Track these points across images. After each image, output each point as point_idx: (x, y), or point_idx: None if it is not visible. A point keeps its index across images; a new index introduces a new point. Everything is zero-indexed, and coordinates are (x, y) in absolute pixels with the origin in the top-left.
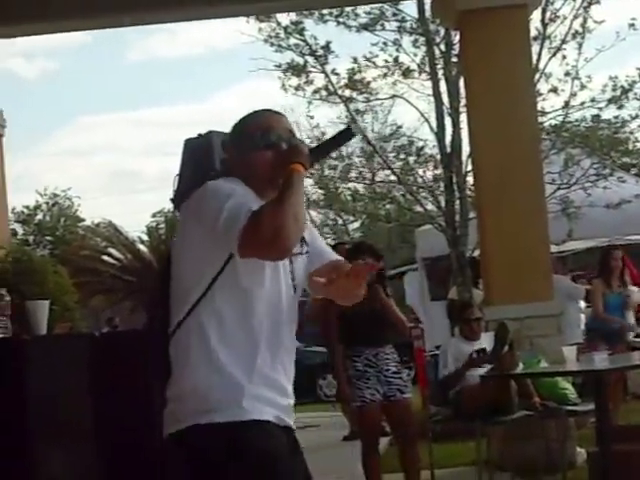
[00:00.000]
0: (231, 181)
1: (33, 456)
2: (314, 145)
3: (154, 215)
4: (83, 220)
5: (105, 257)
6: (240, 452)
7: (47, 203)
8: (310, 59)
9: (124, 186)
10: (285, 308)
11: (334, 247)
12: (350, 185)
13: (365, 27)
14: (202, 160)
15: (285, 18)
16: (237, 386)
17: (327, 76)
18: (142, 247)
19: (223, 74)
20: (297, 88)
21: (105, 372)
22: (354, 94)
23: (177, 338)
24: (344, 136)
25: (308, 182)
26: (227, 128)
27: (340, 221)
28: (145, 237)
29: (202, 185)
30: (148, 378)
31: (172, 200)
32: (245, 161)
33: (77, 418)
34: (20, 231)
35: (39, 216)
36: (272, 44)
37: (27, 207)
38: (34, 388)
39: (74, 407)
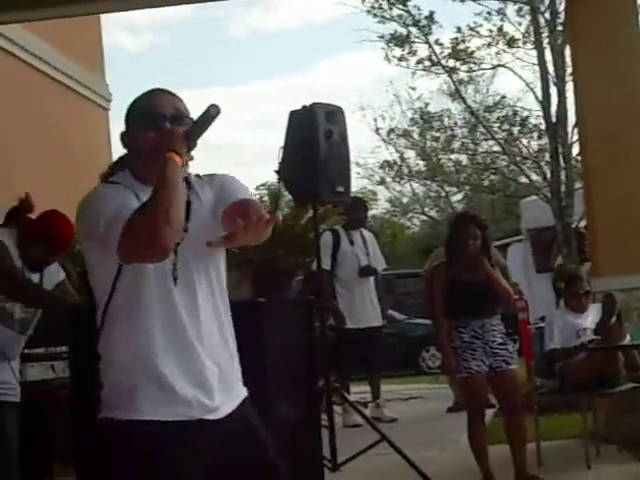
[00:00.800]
0: (121, 178)
1: None
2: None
3: (257, 188)
4: None
5: None
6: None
7: None
8: (413, 29)
9: (227, 159)
10: (201, 301)
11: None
12: (453, 156)
13: None
14: (306, 132)
15: None
16: (131, 387)
17: (430, 46)
18: None
19: (323, 46)
20: (400, 59)
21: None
22: (457, 64)
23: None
24: (206, 117)
25: (411, 154)
26: (330, 99)
27: (443, 193)
28: None
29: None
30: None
31: (277, 172)
32: (133, 144)
33: None
34: None
35: None
36: (375, 15)
37: None
38: None
39: None
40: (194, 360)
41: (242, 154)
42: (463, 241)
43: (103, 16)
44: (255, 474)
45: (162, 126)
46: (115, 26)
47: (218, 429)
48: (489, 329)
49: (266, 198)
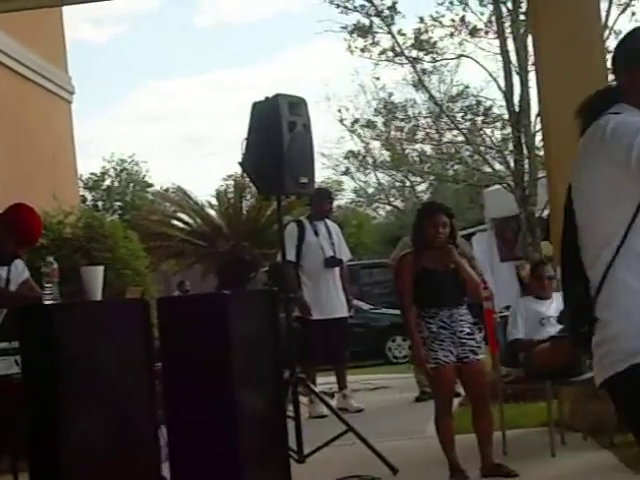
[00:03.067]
0: (630, 112)
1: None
2: None
3: (225, 179)
4: (152, 185)
5: (174, 222)
6: None
7: (115, 169)
8: (376, 20)
9: (194, 150)
10: None
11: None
12: (417, 146)
13: None
14: (269, 123)
15: None
16: None
17: (393, 37)
18: (211, 211)
19: (289, 37)
20: (363, 50)
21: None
22: (420, 54)
23: (606, 286)
24: None
25: (375, 144)
26: (293, 91)
27: (407, 183)
28: (214, 201)
29: (601, 121)
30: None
31: (240, 164)
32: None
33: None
34: (89, 197)
35: (107, 182)
36: (338, 5)
37: (94, 174)
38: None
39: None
40: None
41: (210, 145)
42: (434, 230)
43: (66, 8)
44: None
45: None
46: (79, 18)
47: None
48: (457, 319)
49: (232, 189)
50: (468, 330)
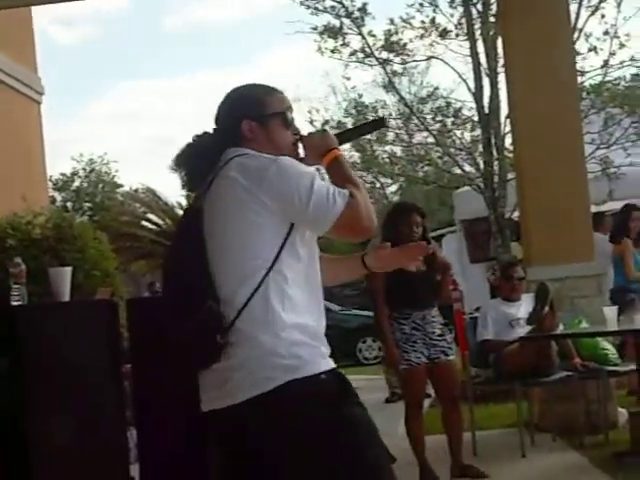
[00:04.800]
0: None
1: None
2: (338, 131)
3: None
4: (121, 186)
5: (144, 222)
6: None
7: (84, 169)
8: (346, 21)
9: (164, 151)
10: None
11: None
12: (387, 148)
13: None
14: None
15: None
16: (315, 345)
17: (363, 38)
18: (181, 212)
19: (261, 38)
20: (333, 51)
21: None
22: (391, 56)
23: (249, 310)
24: (375, 125)
25: (345, 145)
26: None
27: (378, 184)
28: (184, 202)
29: (256, 159)
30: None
31: None
32: (268, 136)
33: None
34: (58, 198)
35: (76, 183)
36: (308, 7)
37: (64, 174)
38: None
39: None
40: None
41: (180, 146)
42: (408, 230)
43: (35, 8)
44: None
45: (298, 130)
46: (49, 19)
47: None
48: (429, 320)
49: None
50: (439, 331)
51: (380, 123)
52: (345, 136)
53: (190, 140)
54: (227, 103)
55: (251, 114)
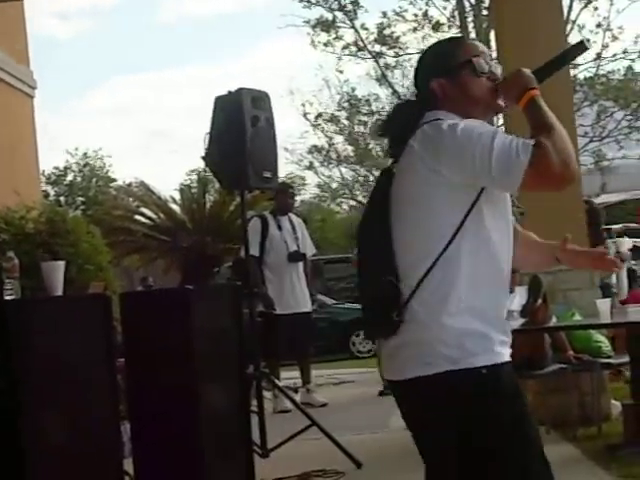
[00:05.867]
0: (447, 116)
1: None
2: (537, 67)
3: (189, 173)
4: (115, 180)
5: (138, 217)
6: (498, 392)
7: (78, 164)
8: (339, 14)
9: (158, 146)
10: (510, 246)
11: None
12: (381, 141)
13: None
14: (232, 118)
15: None
16: (486, 333)
17: (356, 31)
18: (174, 206)
19: (254, 31)
20: (326, 44)
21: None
22: (384, 49)
23: (425, 287)
24: (575, 51)
25: (339, 138)
26: (257, 85)
27: (371, 177)
28: (178, 196)
29: (435, 127)
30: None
31: (203, 158)
32: (459, 89)
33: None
34: (51, 192)
35: (69, 177)
36: (301, 0)
37: (57, 168)
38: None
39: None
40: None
41: (172, 140)
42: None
43: (29, 2)
44: None
45: (494, 74)
46: (44, 13)
47: None
48: None
49: (195, 184)
50: None
51: (582, 47)
52: (545, 71)
53: (394, 107)
54: (418, 66)
55: (438, 71)
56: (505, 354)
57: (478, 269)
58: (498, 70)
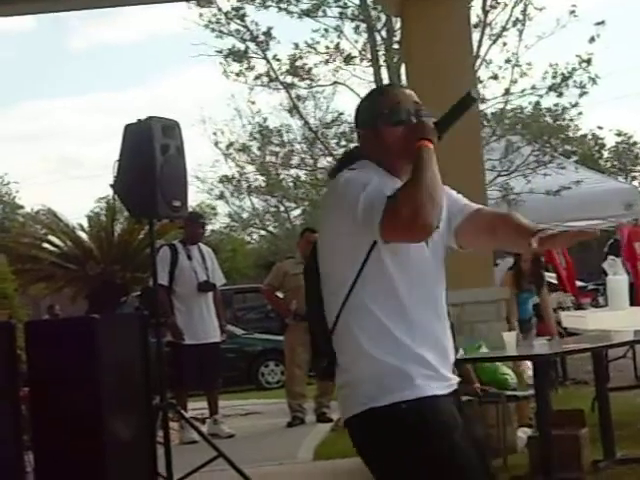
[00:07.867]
0: (365, 168)
1: None
2: (437, 119)
3: (98, 201)
4: (22, 207)
5: (45, 244)
6: (421, 426)
7: None
8: (251, 45)
9: (66, 172)
10: (432, 275)
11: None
12: (292, 172)
13: (307, 13)
14: (142, 146)
15: (226, 4)
16: (404, 369)
17: (268, 62)
18: (82, 234)
19: (165, 60)
20: (238, 74)
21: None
22: (295, 80)
23: (338, 332)
24: (465, 103)
25: (250, 168)
26: (167, 114)
27: (282, 208)
28: (86, 224)
29: (336, 179)
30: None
31: (112, 186)
32: (378, 139)
33: None
34: None
35: None
36: (213, 30)
37: None
38: None
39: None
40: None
41: (80, 168)
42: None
43: None
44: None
45: (409, 121)
46: None
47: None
48: None
49: (103, 212)
50: None
51: (470, 98)
52: (442, 125)
53: (343, 153)
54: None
55: (363, 123)
56: (429, 388)
57: (387, 314)
58: (425, 114)
